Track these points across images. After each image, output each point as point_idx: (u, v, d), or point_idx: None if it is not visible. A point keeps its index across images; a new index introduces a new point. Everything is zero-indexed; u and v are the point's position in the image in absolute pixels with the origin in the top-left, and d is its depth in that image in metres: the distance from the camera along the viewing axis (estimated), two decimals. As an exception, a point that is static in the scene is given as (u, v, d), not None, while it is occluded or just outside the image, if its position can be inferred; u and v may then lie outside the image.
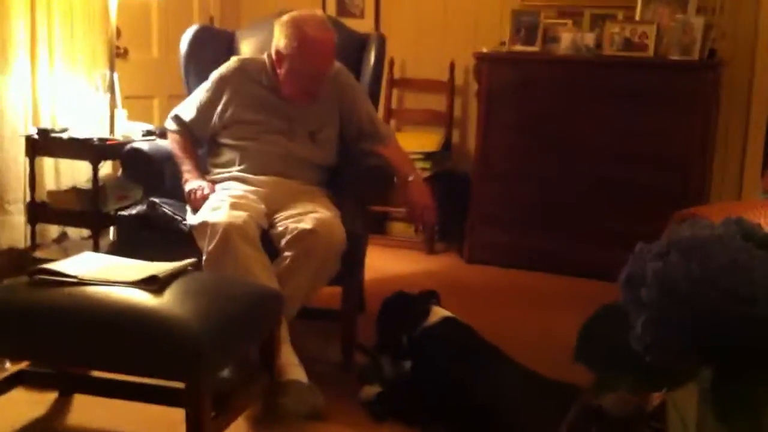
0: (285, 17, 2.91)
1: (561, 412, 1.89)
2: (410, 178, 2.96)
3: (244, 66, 3.03)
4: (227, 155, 2.96)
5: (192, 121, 3.01)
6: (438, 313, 2.63)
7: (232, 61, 3.07)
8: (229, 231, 2.52)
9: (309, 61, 2.86)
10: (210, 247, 2.53)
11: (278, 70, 2.93)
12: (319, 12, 3.06)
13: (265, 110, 2.96)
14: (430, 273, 4.07)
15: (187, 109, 3.04)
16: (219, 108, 2.98)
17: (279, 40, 2.90)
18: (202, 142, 3.07)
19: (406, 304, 2.69)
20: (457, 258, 4.43)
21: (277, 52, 2.91)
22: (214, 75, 3.04)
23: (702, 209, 2.51)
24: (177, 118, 3.05)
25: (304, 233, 2.59)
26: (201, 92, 3.04)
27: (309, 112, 2.98)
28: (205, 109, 3.00)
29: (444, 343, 2.54)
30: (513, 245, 4.26)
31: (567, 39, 4.13)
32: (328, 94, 3.00)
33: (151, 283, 2.09)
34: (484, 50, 4.29)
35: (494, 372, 2.43)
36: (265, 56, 3.03)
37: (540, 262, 4.19)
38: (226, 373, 2.39)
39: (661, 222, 2.43)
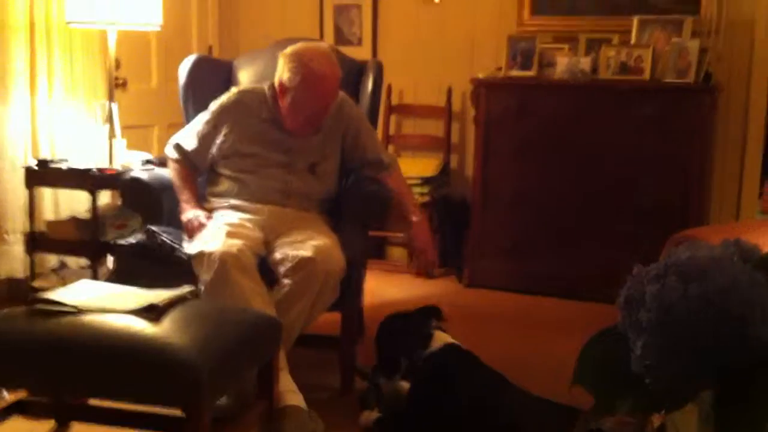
0: (289, 50, 2.89)
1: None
2: (414, 219, 2.96)
3: (244, 98, 3.01)
4: (225, 185, 2.96)
5: (192, 150, 3.01)
6: (440, 339, 2.61)
7: (232, 93, 3.05)
8: (225, 261, 2.52)
9: (312, 96, 2.84)
10: (207, 278, 2.53)
11: (281, 102, 2.91)
12: (323, 44, 3.05)
13: (263, 143, 2.94)
14: (429, 297, 4.04)
15: (188, 137, 3.04)
16: (218, 140, 2.97)
17: (282, 72, 2.87)
18: (202, 170, 3.07)
19: (405, 325, 2.67)
20: (455, 282, 4.42)
21: (281, 85, 2.88)
22: (214, 106, 3.03)
23: (699, 231, 2.51)
24: (178, 147, 3.04)
25: (303, 261, 2.58)
26: (201, 123, 3.03)
27: (310, 144, 2.97)
28: (205, 139, 2.99)
29: (446, 372, 2.52)
30: (512, 269, 4.26)
31: (563, 64, 4.15)
32: (331, 125, 2.99)
33: (150, 312, 2.08)
34: (481, 76, 4.31)
35: (497, 398, 2.42)
36: (266, 86, 3.01)
37: (540, 285, 4.18)
38: (224, 400, 2.38)
39: (660, 244, 2.43)
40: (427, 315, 2.70)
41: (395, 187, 3.03)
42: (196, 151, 3.00)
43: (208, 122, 3.00)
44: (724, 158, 4.22)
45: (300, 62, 2.82)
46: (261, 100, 2.98)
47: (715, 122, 4.08)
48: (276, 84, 2.91)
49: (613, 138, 4.04)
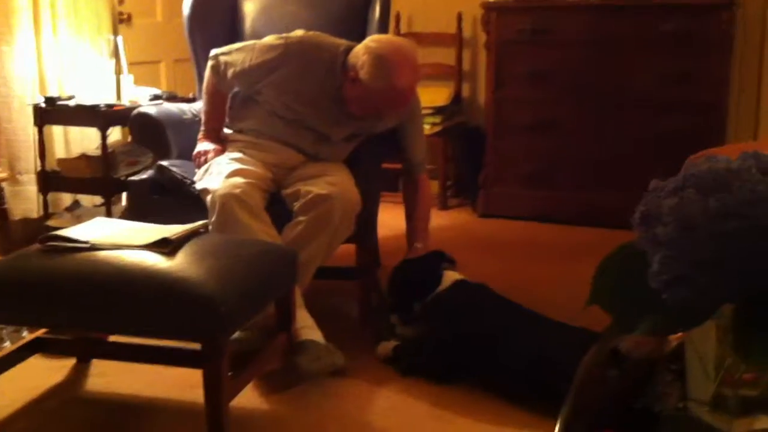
0: (375, 46, 2.65)
1: (580, 357, 1.87)
2: (418, 246, 2.87)
3: (312, 52, 2.75)
4: (254, 113, 2.83)
5: (239, 74, 2.79)
6: (450, 277, 2.61)
7: (298, 35, 2.78)
8: (227, 203, 2.45)
9: (387, 105, 2.70)
10: (212, 220, 2.49)
11: (349, 85, 2.69)
12: (409, 46, 2.75)
13: (313, 109, 2.76)
14: (444, 228, 4.05)
15: (238, 61, 2.80)
16: (270, 77, 2.75)
17: (363, 67, 2.62)
18: (238, 91, 2.91)
19: (416, 271, 2.67)
20: (470, 212, 4.41)
21: (356, 76, 2.64)
22: (279, 41, 2.76)
23: (717, 150, 2.47)
24: (226, 66, 2.82)
25: (318, 198, 2.52)
26: (257, 51, 2.77)
27: (361, 119, 2.80)
28: (256, 70, 2.77)
29: (454, 307, 2.54)
30: (527, 197, 4.23)
31: (576, -16, 4.05)
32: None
33: (163, 246, 2.08)
34: (492, -1, 4.22)
35: (509, 325, 2.42)
36: (340, 48, 2.74)
37: (555, 213, 4.16)
38: (242, 333, 2.39)
39: (678, 167, 2.39)
40: (436, 259, 2.69)
41: (420, 191, 2.95)
42: (242, 75, 2.79)
43: (268, 52, 2.75)
44: (741, 77, 4.13)
45: (385, 70, 2.60)
46: (328, 66, 2.73)
47: (733, 39, 3.98)
48: (350, 66, 2.67)
49: (631, 58, 3.96)
